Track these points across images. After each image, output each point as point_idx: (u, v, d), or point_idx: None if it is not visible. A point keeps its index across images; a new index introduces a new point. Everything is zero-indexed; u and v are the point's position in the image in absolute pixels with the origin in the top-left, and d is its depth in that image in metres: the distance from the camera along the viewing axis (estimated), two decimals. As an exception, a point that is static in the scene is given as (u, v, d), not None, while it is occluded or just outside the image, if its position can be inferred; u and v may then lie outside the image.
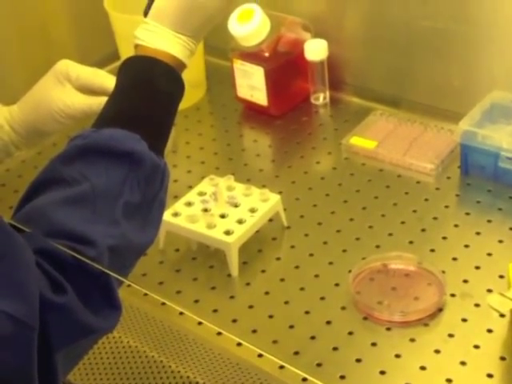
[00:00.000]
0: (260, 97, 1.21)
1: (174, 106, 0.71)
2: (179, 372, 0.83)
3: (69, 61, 0.85)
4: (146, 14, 0.73)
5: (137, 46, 0.72)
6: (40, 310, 0.54)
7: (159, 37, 0.71)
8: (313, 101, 1.24)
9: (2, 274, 0.52)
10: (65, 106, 0.82)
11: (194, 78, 1.27)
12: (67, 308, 0.56)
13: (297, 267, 0.95)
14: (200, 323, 0.86)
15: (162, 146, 0.69)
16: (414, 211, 1.01)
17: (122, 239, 0.63)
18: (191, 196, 1.00)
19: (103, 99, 0.82)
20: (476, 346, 0.83)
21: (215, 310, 0.90)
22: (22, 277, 0.54)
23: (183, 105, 1.27)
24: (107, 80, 0.83)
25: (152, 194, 0.66)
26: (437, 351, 0.83)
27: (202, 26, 0.72)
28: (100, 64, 1.35)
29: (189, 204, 0.98)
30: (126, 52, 1.26)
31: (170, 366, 0.84)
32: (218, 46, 1.26)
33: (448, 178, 1.07)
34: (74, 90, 0.83)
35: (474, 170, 1.05)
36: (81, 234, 0.60)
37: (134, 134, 0.66)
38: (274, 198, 0.99)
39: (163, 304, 0.90)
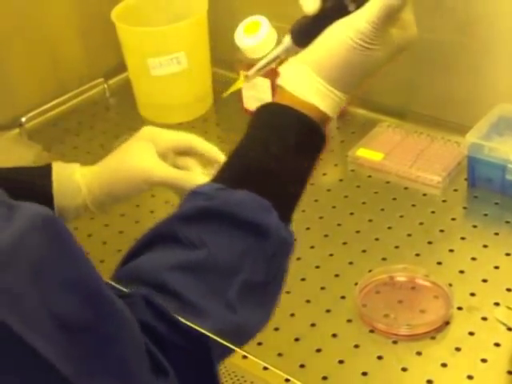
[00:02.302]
0: (267, 108, 1.21)
1: (312, 168, 0.64)
2: None
3: (152, 127, 0.83)
4: (293, 33, 0.67)
5: (281, 89, 0.64)
6: None
7: (312, 89, 0.63)
8: (319, 113, 1.24)
9: (115, 356, 0.47)
10: (144, 173, 0.78)
11: (200, 89, 1.28)
12: None
13: (303, 279, 0.95)
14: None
15: (291, 215, 0.62)
16: (421, 224, 1.01)
17: (234, 327, 0.57)
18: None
19: (183, 173, 0.79)
20: (483, 360, 0.82)
21: (221, 322, 0.90)
22: (132, 360, 0.49)
23: (190, 116, 1.30)
24: (193, 141, 0.81)
25: (274, 271, 0.60)
26: (444, 365, 0.82)
27: (359, 83, 0.65)
28: (107, 76, 1.36)
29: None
30: (133, 64, 1.28)
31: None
32: (225, 57, 1.26)
33: (455, 190, 1.06)
34: (157, 156, 0.79)
35: (481, 182, 1.04)
36: (194, 306, 0.55)
37: (265, 202, 0.59)
38: (280, 210, 0.98)
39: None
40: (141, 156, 0.79)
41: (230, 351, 0.57)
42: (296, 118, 0.63)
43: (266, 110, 0.64)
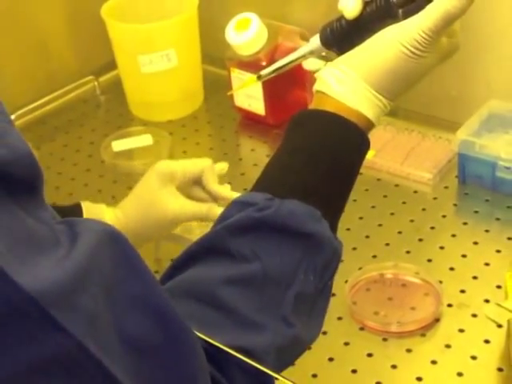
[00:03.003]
0: (257, 106, 1.21)
1: (356, 177, 0.63)
2: None
3: (167, 161, 0.84)
4: (323, 34, 0.65)
5: (321, 94, 0.62)
6: None
7: (360, 96, 0.60)
8: (310, 110, 1.23)
9: (184, 377, 0.46)
10: (174, 216, 0.79)
11: (191, 86, 1.27)
12: None
13: (293, 277, 0.95)
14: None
15: (337, 224, 0.61)
16: (412, 221, 1.01)
17: (291, 341, 0.55)
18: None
19: (208, 207, 0.83)
20: (473, 357, 0.82)
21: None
22: (200, 381, 0.47)
23: (180, 114, 1.29)
24: (206, 165, 0.83)
25: (324, 282, 0.59)
26: (433, 362, 0.82)
27: (405, 91, 0.63)
28: (97, 73, 1.35)
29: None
30: (123, 61, 1.27)
31: None
32: (216, 55, 1.26)
33: (445, 187, 1.06)
34: (180, 194, 0.81)
35: (471, 179, 1.04)
36: (250, 321, 0.53)
37: (315, 211, 0.57)
38: (271, 208, 0.98)
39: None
40: (168, 199, 0.81)
41: (286, 365, 0.57)
42: (344, 126, 0.61)
43: (310, 115, 0.62)
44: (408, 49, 0.60)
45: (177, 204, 0.80)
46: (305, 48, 0.67)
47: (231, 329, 0.53)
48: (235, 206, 0.59)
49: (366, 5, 0.63)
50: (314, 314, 0.59)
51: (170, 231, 0.83)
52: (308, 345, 0.60)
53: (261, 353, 0.53)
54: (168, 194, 0.81)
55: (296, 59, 0.68)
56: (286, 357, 0.57)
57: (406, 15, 0.61)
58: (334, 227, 0.60)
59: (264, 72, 0.70)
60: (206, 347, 0.50)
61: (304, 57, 0.68)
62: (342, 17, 0.64)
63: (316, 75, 0.64)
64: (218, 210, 0.82)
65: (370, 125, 0.63)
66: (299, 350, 0.59)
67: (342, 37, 0.65)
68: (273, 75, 0.70)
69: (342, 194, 0.62)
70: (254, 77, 0.71)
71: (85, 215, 0.81)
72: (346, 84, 0.61)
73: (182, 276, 0.56)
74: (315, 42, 0.66)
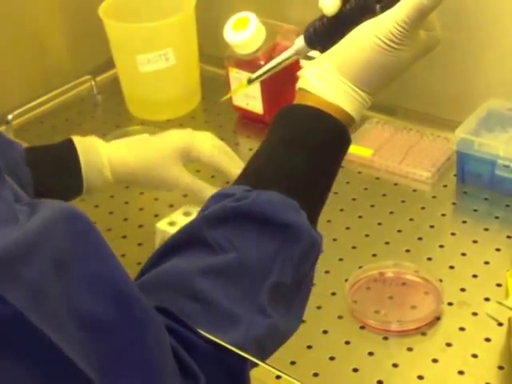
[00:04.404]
0: (255, 105, 1.21)
1: (337, 170, 0.64)
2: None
3: (191, 141, 0.91)
4: (307, 34, 0.66)
5: (303, 91, 0.63)
6: None
7: (338, 90, 0.62)
8: (308, 109, 1.23)
9: (139, 357, 0.46)
10: (173, 184, 0.90)
11: (189, 86, 1.27)
12: None
13: (293, 276, 0.94)
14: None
15: (317, 217, 0.61)
16: (411, 219, 1.01)
17: (268, 331, 0.55)
18: (191, 206, 0.99)
19: (203, 185, 0.90)
20: (474, 355, 0.82)
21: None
22: (158, 362, 0.47)
23: (178, 113, 1.29)
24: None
25: (303, 273, 0.59)
26: (434, 360, 0.82)
27: (385, 85, 0.64)
28: (95, 73, 1.35)
29: (187, 214, 0.97)
30: (121, 60, 1.27)
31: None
32: (214, 54, 1.25)
33: (444, 186, 1.06)
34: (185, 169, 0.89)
35: (470, 178, 1.04)
36: (227, 312, 0.53)
37: (293, 202, 0.58)
38: (270, 207, 0.98)
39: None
40: (175, 174, 0.89)
41: (266, 356, 0.57)
42: (324, 119, 0.61)
43: (290, 110, 0.63)
44: (383, 41, 0.61)
45: (178, 178, 0.89)
46: (291, 49, 0.69)
47: (208, 319, 0.53)
48: (214, 198, 0.60)
49: (345, 2, 0.64)
50: (293, 305, 0.58)
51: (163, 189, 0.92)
52: (288, 336, 0.59)
53: (238, 343, 0.53)
54: (177, 170, 0.89)
55: (283, 60, 0.70)
56: (265, 347, 0.56)
57: (384, 9, 0.62)
58: (314, 219, 0.60)
59: (253, 76, 0.72)
60: (179, 330, 0.50)
61: (291, 58, 0.69)
62: (323, 15, 0.66)
63: (298, 73, 0.65)
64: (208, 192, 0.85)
65: (350, 119, 0.63)
66: (278, 341, 0.59)
67: (324, 35, 0.66)
68: (263, 78, 0.71)
69: (322, 186, 0.62)
70: (245, 81, 0.72)
71: (79, 150, 0.86)
72: (325, 79, 0.62)
73: (160, 267, 0.56)
74: (300, 42, 0.67)
